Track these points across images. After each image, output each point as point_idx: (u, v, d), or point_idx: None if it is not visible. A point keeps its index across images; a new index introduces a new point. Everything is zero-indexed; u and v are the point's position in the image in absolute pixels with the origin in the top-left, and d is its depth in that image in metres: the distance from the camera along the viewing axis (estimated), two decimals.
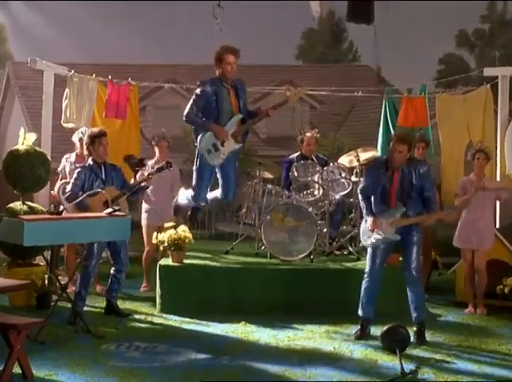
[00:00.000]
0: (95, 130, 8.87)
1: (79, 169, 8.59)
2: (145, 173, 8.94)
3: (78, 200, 8.02)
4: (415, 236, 7.81)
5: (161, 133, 10.51)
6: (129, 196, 8.68)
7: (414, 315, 7.84)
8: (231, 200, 8.74)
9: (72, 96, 10.88)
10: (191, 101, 8.35)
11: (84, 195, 8.04)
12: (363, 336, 7.83)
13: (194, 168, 8.61)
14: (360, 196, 8.06)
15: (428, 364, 6.97)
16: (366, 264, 8.05)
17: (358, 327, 7.93)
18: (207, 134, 8.31)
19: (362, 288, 7.95)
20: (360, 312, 7.96)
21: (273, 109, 8.40)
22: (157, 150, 10.29)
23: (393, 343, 7.10)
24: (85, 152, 8.67)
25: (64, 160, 10.02)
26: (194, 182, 8.65)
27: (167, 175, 10.21)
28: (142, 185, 8.83)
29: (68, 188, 8.58)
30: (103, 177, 8.53)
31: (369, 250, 8.00)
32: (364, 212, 8.01)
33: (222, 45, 8.36)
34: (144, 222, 10.28)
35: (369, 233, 7.89)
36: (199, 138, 8.40)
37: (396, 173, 7.74)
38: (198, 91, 8.33)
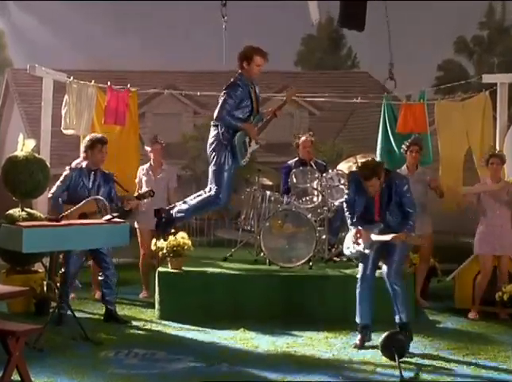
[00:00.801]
0: (99, 135, 8.87)
1: (67, 172, 8.60)
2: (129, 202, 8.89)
3: (69, 211, 7.92)
4: (396, 251, 7.70)
5: (154, 136, 10.55)
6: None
7: (397, 319, 7.75)
8: (225, 202, 8.55)
9: (72, 103, 10.88)
10: (223, 100, 8.14)
11: (75, 207, 7.98)
12: (363, 345, 7.80)
13: (215, 168, 8.24)
14: (345, 207, 7.97)
15: (427, 371, 6.97)
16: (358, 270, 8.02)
17: (358, 336, 7.89)
18: (240, 133, 8.19)
19: (357, 295, 7.92)
20: (358, 319, 7.92)
21: (278, 109, 8.35)
22: (150, 153, 10.34)
23: (392, 350, 7.08)
24: (82, 154, 8.68)
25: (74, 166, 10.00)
26: (217, 181, 8.25)
27: (162, 179, 10.24)
28: (125, 208, 8.75)
29: (53, 189, 8.64)
30: (90, 184, 8.55)
31: (359, 258, 7.97)
32: (349, 222, 7.92)
33: (250, 45, 8.34)
34: (138, 226, 10.26)
35: (349, 243, 7.85)
36: (237, 136, 8.17)
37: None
38: (232, 90, 8.16)
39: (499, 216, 9.34)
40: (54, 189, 8.60)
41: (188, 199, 8.58)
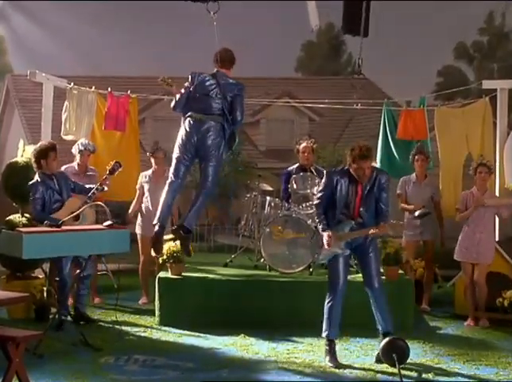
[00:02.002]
0: (47, 143, 8.86)
1: (34, 187, 8.56)
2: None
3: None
4: (370, 248, 7.55)
5: (155, 143, 10.52)
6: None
7: (380, 327, 7.54)
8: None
9: (72, 109, 10.89)
10: (243, 102, 8.58)
11: (83, 209, 8.00)
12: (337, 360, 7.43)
13: (215, 163, 8.41)
14: (316, 210, 7.65)
15: (428, 377, 6.96)
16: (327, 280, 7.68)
17: (328, 355, 7.44)
18: None
19: (327, 307, 7.53)
20: (328, 333, 7.52)
21: None
22: (153, 160, 10.31)
23: (393, 356, 7.07)
24: (34, 165, 8.68)
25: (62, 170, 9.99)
26: (214, 175, 8.45)
27: (162, 185, 10.20)
28: (99, 187, 8.75)
29: (32, 209, 8.63)
30: (57, 187, 8.59)
31: (329, 267, 7.67)
32: (319, 224, 7.60)
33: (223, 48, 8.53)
34: (138, 232, 10.24)
35: (319, 249, 7.64)
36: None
37: (360, 184, 7.44)
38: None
39: (481, 224, 9.33)
40: (32, 207, 8.59)
41: (191, 208, 8.58)
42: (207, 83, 8.41)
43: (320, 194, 7.65)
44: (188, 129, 8.31)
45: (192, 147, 8.31)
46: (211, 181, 8.36)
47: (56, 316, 8.16)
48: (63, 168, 9.97)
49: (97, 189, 8.65)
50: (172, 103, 8.48)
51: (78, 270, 8.62)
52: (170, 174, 8.48)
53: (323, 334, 7.55)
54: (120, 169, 8.91)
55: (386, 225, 7.35)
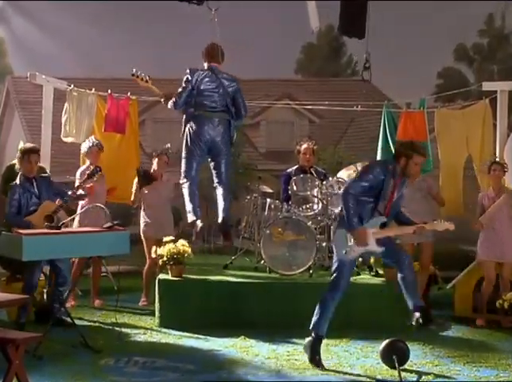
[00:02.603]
0: (27, 145, 8.88)
1: (12, 189, 8.59)
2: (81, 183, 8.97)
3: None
4: (398, 248, 7.54)
5: (165, 148, 10.42)
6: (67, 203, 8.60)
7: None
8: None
9: (72, 111, 10.90)
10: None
11: (80, 211, 8.00)
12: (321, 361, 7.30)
13: (228, 158, 8.65)
14: (351, 200, 7.06)
15: (428, 379, 6.96)
16: (333, 278, 7.42)
17: (314, 354, 7.33)
18: None
19: (326, 304, 7.40)
20: (319, 330, 7.38)
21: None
22: (155, 162, 10.28)
23: (393, 357, 7.06)
24: (17, 166, 8.70)
25: (78, 174, 9.97)
26: (229, 171, 8.76)
27: (164, 190, 10.19)
28: (79, 193, 8.82)
29: (6, 210, 8.60)
30: (36, 191, 8.57)
31: (337, 263, 7.34)
32: (351, 219, 7.05)
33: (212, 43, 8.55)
34: (143, 235, 10.25)
35: (347, 245, 7.20)
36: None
37: (398, 181, 7.21)
38: None
39: (502, 223, 9.34)
40: (7, 209, 8.57)
41: (220, 203, 8.77)
42: (208, 79, 8.40)
43: (358, 185, 7.15)
44: (199, 127, 8.29)
45: (204, 145, 8.34)
46: (226, 176, 8.54)
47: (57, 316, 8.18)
48: (79, 171, 9.97)
49: (73, 192, 8.69)
50: (171, 102, 8.43)
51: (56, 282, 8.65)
52: (183, 174, 8.50)
53: (314, 330, 7.35)
54: (99, 174, 8.94)
55: (428, 224, 7.29)
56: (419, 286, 9.94)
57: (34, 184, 8.59)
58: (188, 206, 8.56)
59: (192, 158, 8.42)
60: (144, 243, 10.22)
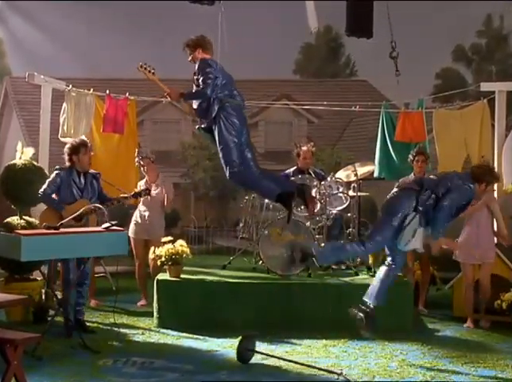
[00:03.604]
0: (78, 140, 8.86)
1: (56, 172, 8.62)
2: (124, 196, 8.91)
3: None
4: None
5: (140, 152, 10.31)
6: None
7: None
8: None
9: (70, 111, 10.89)
10: None
11: (82, 209, 7.97)
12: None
13: None
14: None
15: (426, 379, 6.96)
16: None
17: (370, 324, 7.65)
18: None
19: (390, 273, 7.74)
20: (377, 302, 7.68)
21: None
22: (142, 170, 10.24)
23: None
24: (67, 163, 8.67)
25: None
26: None
27: (159, 193, 10.18)
28: (114, 202, 8.80)
29: (42, 187, 8.62)
30: (83, 184, 8.60)
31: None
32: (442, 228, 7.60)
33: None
34: (131, 235, 10.12)
35: (411, 239, 7.59)
36: None
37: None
38: None
39: (481, 225, 9.32)
40: (44, 186, 8.61)
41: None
42: (224, 69, 8.20)
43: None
44: (240, 115, 7.98)
45: (246, 133, 8.01)
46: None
47: (63, 324, 8.18)
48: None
49: (112, 202, 8.72)
50: (210, 89, 7.71)
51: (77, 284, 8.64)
52: (233, 162, 7.77)
53: (374, 302, 7.63)
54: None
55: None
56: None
57: (82, 177, 8.61)
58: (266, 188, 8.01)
59: (240, 147, 7.96)
60: (132, 243, 10.14)
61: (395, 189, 7.82)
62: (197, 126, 8.05)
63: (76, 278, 8.34)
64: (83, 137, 10.10)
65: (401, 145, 11.27)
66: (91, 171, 8.78)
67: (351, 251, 8.08)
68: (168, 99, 8.00)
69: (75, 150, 8.59)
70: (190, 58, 7.98)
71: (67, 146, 8.73)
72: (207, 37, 8.19)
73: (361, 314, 7.59)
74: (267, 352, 7.49)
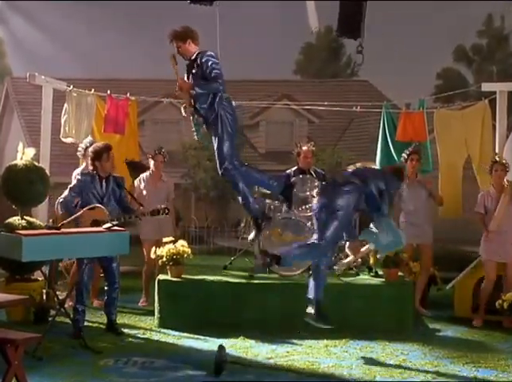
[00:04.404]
0: (101, 145, 8.83)
1: (79, 177, 8.58)
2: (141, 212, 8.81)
3: (76, 215, 7.88)
4: None
5: (159, 147, 10.52)
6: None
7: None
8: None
9: (71, 111, 10.89)
10: None
11: (83, 210, 7.94)
12: None
13: None
14: None
15: (427, 379, 6.96)
16: None
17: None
18: None
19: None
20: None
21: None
22: (152, 163, 10.33)
23: None
24: (90, 167, 8.64)
25: (74, 175, 9.92)
26: None
27: (162, 191, 10.22)
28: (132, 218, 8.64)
29: (64, 193, 8.54)
30: (103, 190, 8.52)
31: None
32: None
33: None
34: (142, 236, 10.26)
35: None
36: None
37: None
38: None
39: (506, 222, 9.32)
40: (65, 193, 8.52)
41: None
42: None
43: None
44: (235, 112, 7.92)
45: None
46: None
47: (72, 326, 8.20)
48: (74, 173, 9.93)
49: (130, 217, 8.53)
50: (220, 83, 7.66)
51: (106, 284, 8.66)
52: (230, 158, 7.76)
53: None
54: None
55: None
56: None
57: (104, 183, 8.54)
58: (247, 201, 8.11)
59: (233, 143, 7.95)
60: (143, 244, 10.22)
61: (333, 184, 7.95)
62: (195, 136, 7.98)
63: (105, 279, 8.49)
64: (88, 138, 10.15)
65: (402, 145, 11.25)
66: (115, 175, 8.73)
67: (312, 251, 7.87)
68: (178, 91, 7.83)
69: (98, 155, 8.53)
70: (179, 50, 7.78)
71: (90, 150, 8.68)
72: (192, 27, 8.05)
73: (310, 308, 7.74)
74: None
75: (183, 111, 7.84)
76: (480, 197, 9.61)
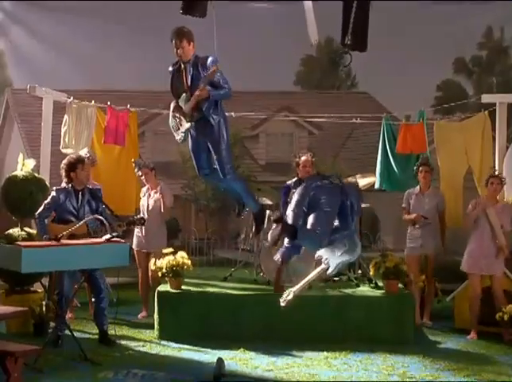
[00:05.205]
0: (74, 156, 8.82)
1: (53, 193, 8.53)
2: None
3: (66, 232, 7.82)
4: None
5: (138, 162, 10.37)
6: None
7: None
8: (200, 175, 8.11)
9: (71, 122, 10.90)
10: None
11: (80, 223, 7.89)
12: None
13: None
14: None
15: None
16: None
17: None
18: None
19: None
20: None
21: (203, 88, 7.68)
22: (142, 178, 10.27)
23: None
24: (64, 179, 8.62)
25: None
26: None
27: (157, 200, 10.19)
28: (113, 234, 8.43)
29: (39, 209, 8.51)
30: (79, 203, 8.49)
31: None
32: None
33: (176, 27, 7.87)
34: (133, 247, 10.19)
35: None
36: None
37: None
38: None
39: (489, 236, 9.30)
40: (40, 209, 8.50)
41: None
42: None
43: None
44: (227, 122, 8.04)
45: None
46: None
47: (53, 331, 8.15)
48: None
49: (106, 229, 8.09)
50: (229, 91, 7.70)
51: (93, 297, 8.63)
52: (230, 166, 7.86)
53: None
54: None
55: None
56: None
57: (79, 196, 8.50)
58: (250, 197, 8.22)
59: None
60: (135, 255, 10.18)
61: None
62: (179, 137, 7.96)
63: (91, 290, 8.50)
64: (85, 150, 10.15)
65: (402, 156, 11.28)
66: (91, 186, 8.70)
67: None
68: (199, 96, 7.81)
69: (72, 166, 8.51)
70: (183, 50, 7.65)
71: (64, 162, 8.65)
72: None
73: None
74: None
75: (183, 119, 7.82)
76: (472, 203, 9.53)
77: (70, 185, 8.53)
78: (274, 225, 7.72)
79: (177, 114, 7.83)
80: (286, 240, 7.58)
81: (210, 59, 7.73)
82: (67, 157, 8.84)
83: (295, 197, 7.43)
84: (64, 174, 8.58)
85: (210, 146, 7.83)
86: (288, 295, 7.34)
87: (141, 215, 9.90)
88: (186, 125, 7.79)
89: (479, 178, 10.70)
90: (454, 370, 7.71)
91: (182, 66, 7.81)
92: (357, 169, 14.19)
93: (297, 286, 7.40)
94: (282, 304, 7.34)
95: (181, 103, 7.82)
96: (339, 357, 8.13)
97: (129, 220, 8.76)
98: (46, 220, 8.46)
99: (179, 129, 7.83)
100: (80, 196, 8.51)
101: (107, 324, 8.61)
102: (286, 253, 7.85)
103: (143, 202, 10.27)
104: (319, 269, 7.52)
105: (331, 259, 7.36)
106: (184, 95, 7.78)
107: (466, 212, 9.62)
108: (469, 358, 8.29)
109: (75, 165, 8.51)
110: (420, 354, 8.25)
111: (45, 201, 8.59)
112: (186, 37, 7.78)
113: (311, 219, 7.17)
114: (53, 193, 8.55)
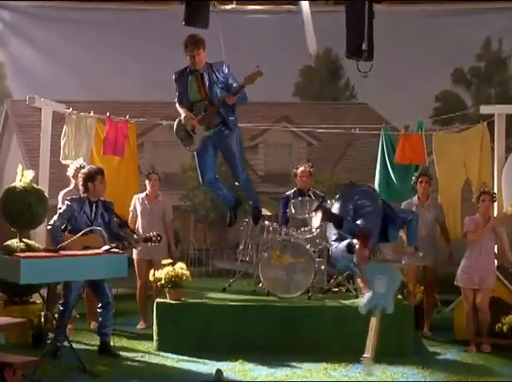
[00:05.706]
0: (95, 166, 8.82)
1: (68, 203, 8.47)
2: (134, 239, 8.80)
3: (67, 241, 7.82)
4: None
5: (152, 166, 10.53)
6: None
7: None
8: (203, 183, 8.49)
9: (70, 133, 10.92)
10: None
11: (78, 234, 7.87)
12: None
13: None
14: None
15: None
16: None
17: None
18: (177, 119, 8.20)
19: None
20: None
21: (232, 96, 8.03)
22: (147, 183, 10.33)
23: None
24: (81, 188, 8.59)
25: (60, 197, 9.91)
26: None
27: (158, 210, 10.21)
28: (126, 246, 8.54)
29: (53, 219, 8.47)
30: (93, 215, 8.46)
31: None
32: None
33: (189, 35, 8.15)
34: (134, 256, 10.19)
35: None
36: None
37: None
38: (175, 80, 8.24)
39: (482, 250, 9.28)
40: (54, 218, 8.47)
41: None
42: None
43: None
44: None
45: None
46: None
47: (52, 342, 8.13)
48: (61, 193, 9.94)
49: (122, 247, 8.33)
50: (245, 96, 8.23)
51: (98, 305, 8.62)
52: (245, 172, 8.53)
53: None
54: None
55: None
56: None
57: (94, 207, 8.47)
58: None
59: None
60: (135, 264, 10.19)
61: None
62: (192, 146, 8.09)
63: (98, 300, 8.51)
64: (80, 160, 10.15)
65: (401, 167, 11.29)
66: (104, 199, 8.65)
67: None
68: (227, 101, 7.91)
69: (92, 177, 8.49)
70: (199, 57, 7.92)
71: (84, 171, 8.64)
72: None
73: None
74: None
75: (198, 127, 7.95)
76: (470, 220, 9.50)
77: (85, 196, 8.50)
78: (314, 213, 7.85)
79: (190, 122, 7.92)
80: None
81: (224, 64, 7.87)
82: (88, 167, 8.85)
83: (336, 204, 7.50)
84: (81, 183, 8.55)
85: (225, 150, 7.98)
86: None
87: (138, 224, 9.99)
88: (205, 133, 7.90)
89: (477, 190, 10.69)
90: (453, 381, 7.69)
91: (195, 74, 7.91)
92: (356, 180, 14.17)
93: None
94: None
95: (196, 112, 7.91)
96: (339, 369, 8.11)
97: (146, 236, 8.80)
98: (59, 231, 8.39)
99: (191, 138, 7.93)
100: (94, 207, 8.49)
101: (110, 334, 8.60)
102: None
103: (142, 209, 10.26)
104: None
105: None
106: (198, 103, 7.91)
107: (467, 229, 9.51)
108: (468, 369, 8.28)
109: (94, 176, 8.49)
110: (420, 365, 8.24)
111: (60, 210, 8.54)
112: (202, 45, 7.94)
113: (359, 219, 7.28)
114: (68, 202, 8.50)
